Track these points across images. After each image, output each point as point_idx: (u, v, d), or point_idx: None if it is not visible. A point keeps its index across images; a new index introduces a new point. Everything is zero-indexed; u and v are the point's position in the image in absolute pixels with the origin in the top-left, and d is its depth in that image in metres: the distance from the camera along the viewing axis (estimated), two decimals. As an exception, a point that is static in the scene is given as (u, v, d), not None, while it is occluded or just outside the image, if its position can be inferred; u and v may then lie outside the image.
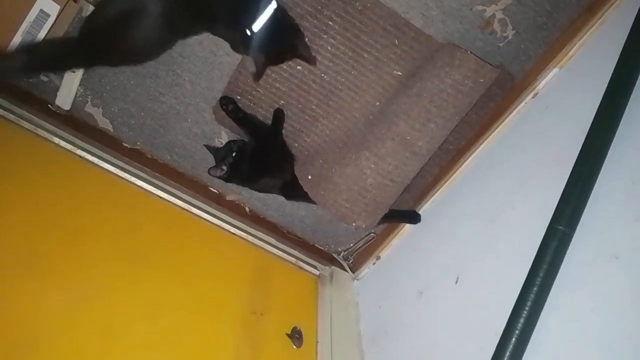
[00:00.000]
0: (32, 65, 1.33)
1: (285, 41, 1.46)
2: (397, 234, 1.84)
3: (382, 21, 1.56)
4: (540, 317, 1.00)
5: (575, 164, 1.11)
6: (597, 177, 1.07)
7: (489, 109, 1.71)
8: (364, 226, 1.63)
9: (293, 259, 1.91)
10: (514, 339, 0.98)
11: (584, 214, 1.05)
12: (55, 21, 1.42)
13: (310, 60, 1.54)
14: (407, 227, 1.82)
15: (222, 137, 1.78)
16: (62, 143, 1.64)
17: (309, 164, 1.69)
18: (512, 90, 1.67)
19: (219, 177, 1.65)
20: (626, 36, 1.21)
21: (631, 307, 0.88)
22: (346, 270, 1.94)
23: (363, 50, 1.60)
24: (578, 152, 1.12)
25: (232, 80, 1.66)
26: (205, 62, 1.65)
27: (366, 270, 1.92)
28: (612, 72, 1.17)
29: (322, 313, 1.72)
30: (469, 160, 1.70)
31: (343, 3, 1.54)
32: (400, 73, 1.62)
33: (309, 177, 1.66)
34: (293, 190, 1.70)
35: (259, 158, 1.66)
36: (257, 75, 1.54)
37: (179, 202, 1.74)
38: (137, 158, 1.76)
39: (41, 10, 1.39)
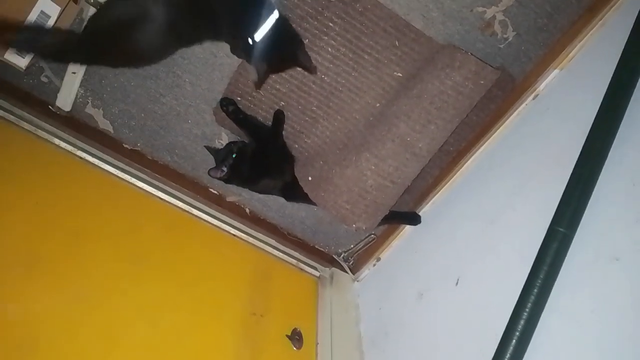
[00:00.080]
0: (36, 46, 1.32)
1: (286, 50, 1.48)
2: (397, 235, 1.84)
3: (383, 23, 1.56)
4: (541, 318, 0.99)
5: (575, 165, 1.11)
6: (597, 179, 1.07)
7: (489, 110, 1.71)
8: (364, 227, 1.63)
9: (293, 261, 1.91)
10: (514, 340, 0.98)
11: (584, 215, 1.05)
12: (55, 22, 1.42)
13: (310, 69, 1.56)
14: (408, 229, 1.82)
15: (223, 139, 1.78)
16: (63, 144, 1.65)
17: (309, 165, 1.69)
18: (512, 91, 1.67)
19: (219, 179, 1.65)
20: (627, 38, 1.21)
21: (631, 308, 0.88)
22: (346, 272, 1.94)
23: (363, 51, 1.60)
24: (578, 153, 1.12)
25: (233, 82, 1.66)
26: (206, 64, 1.65)
27: (366, 271, 1.92)
28: (612, 73, 1.17)
29: (322, 314, 1.72)
30: (469, 161, 1.70)
31: (343, 4, 1.54)
32: (400, 74, 1.62)
33: (309, 178, 1.66)
34: (293, 192, 1.70)
35: (259, 159, 1.66)
36: (259, 84, 1.56)
37: (180, 204, 1.74)
38: (137, 159, 1.77)
39: (42, 12, 1.39)
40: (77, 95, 1.72)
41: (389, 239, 1.86)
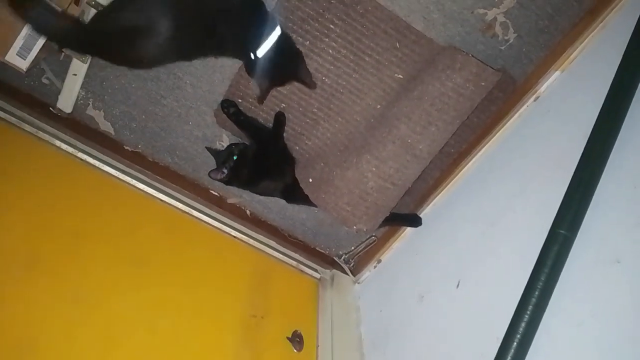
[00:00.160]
0: (47, 25, 1.31)
1: (287, 66, 1.52)
2: (398, 237, 1.84)
3: (383, 24, 1.56)
4: (542, 321, 0.99)
5: (576, 168, 1.10)
6: (598, 181, 1.06)
7: (490, 112, 1.70)
8: (365, 229, 1.63)
9: (294, 262, 1.91)
10: (515, 343, 0.97)
11: (585, 218, 1.04)
12: (57, 24, 1.42)
13: (310, 85, 1.58)
14: (408, 231, 1.82)
15: (223, 140, 1.78)
16: (64, 146, 1.65)
17: (310, 167, 1.69)
18: (513, 93, 1.66)
19: (220, 180, 1.65)
20: (628, 40, 1.21)
21: (633, 311, 0.87)
22: (347, 274, 1.94)
23: (364, 53, 1.60)
24: (579, 155, 1.11)
25: (234, 84, 1.66)
26: (207, 66, 1.65)
27: (367, 273, 1.91)
28: (613, 75, 1.17)
29: (323, 316, 1.72)
30: (470, 163, 1.70)
31: (344, 6, 1.54)
32: (401, 76, 1.62)
33: (310, 180, 1.65)
34: (294, 194, 1.70)
35: (260, 161, 1.66)
36: (261, 99, 1.57)
37: (180, 205, 1.74)
38: (138, 161, 1.77)
39: (43, 14, 1.39)
40: (78, 97, 1.72)
41: (389, 241, 1.86)
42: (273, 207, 1.91)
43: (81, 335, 1.21)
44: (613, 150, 1.08)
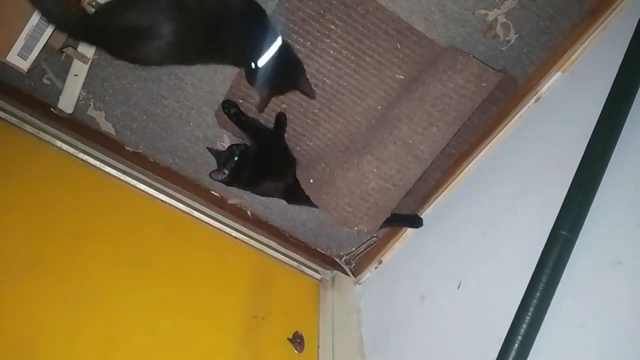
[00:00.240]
0: (54, 12, 1.30)
1: (288, 76, 1.54)
2: (399, 238, 1.84)
3: (385, 25, 1.56)
4: (543, 322, 0.99)
5: (578, 169, 1.10)
6: (599, 183, 1.06)
7: (491, 113, 1.70)
8: (366, 230, 1.63)
9: (295, 263, 1.91)
10: (516, 344, 0.97)
11: (586, 219, 1.04)
12: (58, 25, 1.43)
13: (310, 95, 1.60)
14: (409, 232, 1.82)
15: (224, 141, 1.78)
16: (65, 146, 1.65)
17: (311, 167, 1.69)
18: (514, 94, 1.66)
19: (221, 181, 1.65)
20: (629, 41, 1.20)
21: (634, 313, 0.87)
22: (348, 275, 1.94)
23: (365, 54, 1.60)
24: (581, 156, 1.11)
25: (235, 84, 1.66)
26: (208, 66, 1.65)
27: (368, 274, 1.91)
28: (614, 76, 1.16)
29: (324, 317, 1.72)
30: (471, 164, 1.70)
31: (345, 7, 1.54)
32: (402, 77, 1.62)
33: (311, 181, 1.65)
34: (295, 194, 1.70)
35: (261, 162, 1.66)
36: (261, 107, 1.58)
37: (181, 206, 1.74)
38: (139, 161, 1.77)
39: (44, 14, 1.39)
40: (79, 97, 1.73)
41: (390, 242, 1.85)
42: (274, 207, 1.91)
43: (82, 336, 1.21)
44: (614, 151, 1.08)
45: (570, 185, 1.09)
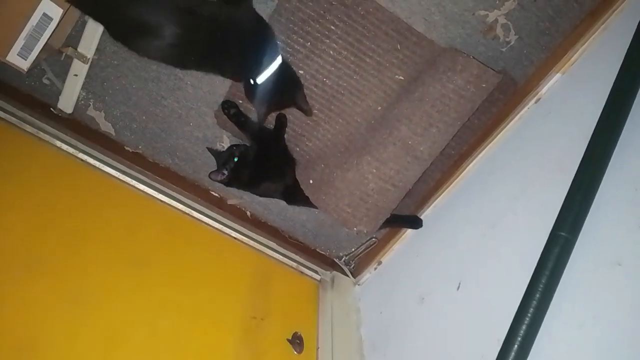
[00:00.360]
0: None
1: (286, 94, 1.56)
2: (398, 239, 1.84)
3: (385, 26, 1.56)
4: (543, 323, 0.99)
5: (577, 170, 1.10)
6: (599, 184, 1.06)
7: (491, 114, 1.70)
8: (365, 231, 1.63)
9: (294, 264, 1.91)
10: (516, 345, 0.97)
11: (586, 220, 1.04)
12: (58, 25, 1.43)
13: (307, 112, 1.62)
14: (409, 232, 1.82)
15: (224, 141, 1.78)
16: (64, 146, 1.65)
17: (311, 168, 1.69)
18: (514, 95, 1.66)
19: (220, 182, 1.65)
20: (629, 42, 1.20)
21: (633, 313, 0.87)
22: (347, 275, 1.94)
23: (365, 54, 1.60)
24: (580, 157, 1.11)
25: (234, 85, 1.66)
26: (208, 68, 1.65)
27: (367, 275, 1.91)
28: (614, 78, 1.16)
29: (323, 318, 1.72)
30: (470, 165, 1.70)
31: (345, 7, 1.54)
32: (402, 78, 1.62)
33: (311, 181, 1.65)
34: (294, 195, 1.70)
35: (261, 162, 1.66)
36: (260, 122, 1.60)
37: (180, 206, 1.74)
38: (138, 162, 1.77)
39: (44, 14, 1.39)
40: (79, 97, 1.73)
41: (390, 243, 1.85)
42: (273, 208, 1.91)
43: (81, 336, 1.21)
44: (614, 152, 1.08)
45: (570, 186, 1.09)
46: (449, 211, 1.70)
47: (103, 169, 1.67)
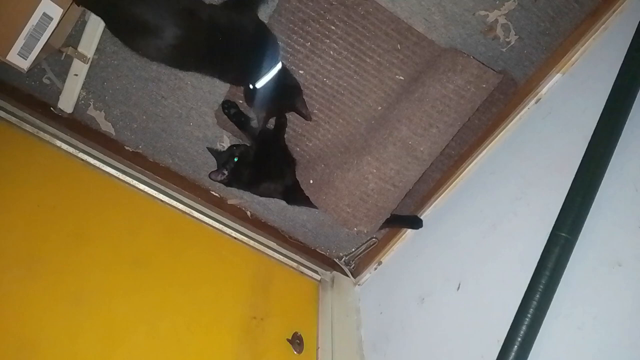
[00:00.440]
0: None
1: (285, 99, 1.57)
2: (398, 239, 1.84)
3: (385, 26, 1.56)
4: (543, 324, 0.99)
5: (578, 170, 1.10)
6: (599, 184, 1.06)
7: (491, 114, 1.70)
8: (365, 231, 1.62)
9: (294, 264, 1.90)
10: (516, 346, 0.97)
11: (586, 220, 1.04)
12: (58, 24, 1.42)
13: (307, 117, 1.63)
14: (409, 233, 1.82)
15: (224, 141, 1.78)
16: (64, 146, 1.65)
17: (311, 168, 1.69)
18: (514, 95, 1.67)
19: (220, 182, 1.65)
20: (629, 42, 1.21)
21: (634, 314, 0.87)
22: (347, 276, 1.94)
23: (365, 54, 1.60)
24: (581, 158, 1.11)
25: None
26: (208, 67, 1.65)
27: (367, 275, 1.91)
28: (615, 78, 1.17)
29: (323, 318, 1.72)
30: (471, 165, 1.70)
31: (346, 8, 1.54)
32: (402, 78, 1.62)
33: (311, 181, 1.65)
34: (294, 195, 1.70)
35: (261, 162, 1.66)
36: (260, 127, 1.59)
37: (180, 206, 1.74)
38: (138, 161, 1.77)
39: (44, 14, 1.39)
40: (79, 97, 1.73)
41: (390, 243, 1.85)
42: (273, 208, 1.91)
43: (81, 336, 1.21)
44: (614, 152, 1.08)
45: (570, 187, 1.09)
46: (449, 211, 1.70)
47: (103, 168, 1.67)
